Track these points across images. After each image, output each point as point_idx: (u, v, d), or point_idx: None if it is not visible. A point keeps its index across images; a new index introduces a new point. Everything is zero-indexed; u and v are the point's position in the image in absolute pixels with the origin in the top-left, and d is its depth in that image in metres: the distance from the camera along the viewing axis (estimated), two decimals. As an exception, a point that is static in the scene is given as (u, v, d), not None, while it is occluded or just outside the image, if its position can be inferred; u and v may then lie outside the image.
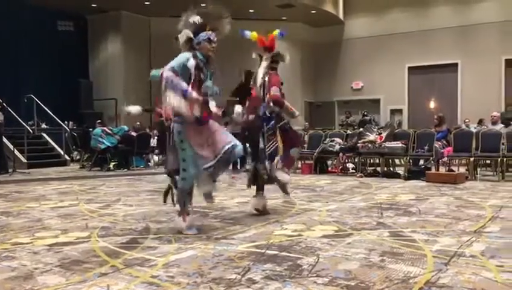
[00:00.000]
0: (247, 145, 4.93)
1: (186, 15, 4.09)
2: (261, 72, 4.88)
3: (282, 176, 4.84)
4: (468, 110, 16.29)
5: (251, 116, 4.84)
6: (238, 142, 3.99)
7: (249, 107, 4.87)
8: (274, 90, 4.77)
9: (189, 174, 3.95)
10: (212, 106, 4.08)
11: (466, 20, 16.98)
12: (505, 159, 8.51)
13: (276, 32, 5.01)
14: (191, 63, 3.87)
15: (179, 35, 4.05)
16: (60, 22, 16.79)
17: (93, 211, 5.28)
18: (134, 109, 4.43)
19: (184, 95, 3.74)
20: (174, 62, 3.86)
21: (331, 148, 9.82)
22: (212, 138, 3.93)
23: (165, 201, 4.24)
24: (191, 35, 4.00)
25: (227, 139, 3.94)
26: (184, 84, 3.77)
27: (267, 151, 4.75)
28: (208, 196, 4.15)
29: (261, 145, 4.77)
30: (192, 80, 3.86)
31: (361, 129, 10.80)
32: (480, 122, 12.79)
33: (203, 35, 3.99)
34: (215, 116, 4.11)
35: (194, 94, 3.77)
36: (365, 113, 16.17)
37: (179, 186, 4.04)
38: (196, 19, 4.04)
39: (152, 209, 5.38)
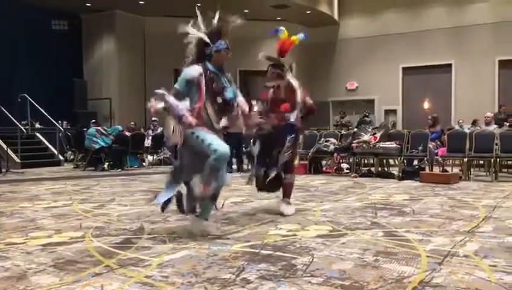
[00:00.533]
0: (263, 149, 4.90)
1: (199, 16, 3.90)
2: (294, 80, 4.94)
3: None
4: (462, 110, 16.39)
5: (280, 122, 4.84)
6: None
7: (278, 112, 4.85)
8: (310, 100, 5.06)
9: (219, 150, 3.65)
10: (242, 103, 3.99)
11: (460, 21, 17.08)
12: (498, 159, 8.56)
13: (297, 38, 4.97)
14: (197, 78, 3.74)
15: (190, 35, 3.88)
16: (54, 21, 16.74)
17: (87, 211, 5.26)
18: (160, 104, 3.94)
19: (179, 119, 3.68)
20: (179, 81, 3.78)
21: (325, 149, 9.83)
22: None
23: (182, 211, 4.06)
24: (208, 41, 3.83)
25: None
26: (182, 110, 3.68)
27: (285, 159, 4.83)
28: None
29: (284, 152, 4.84)
30: (200, 95, 3.74)
31: (355, 129, 10.82)
32: (474, 122, 12.86)
33: (222, 44, 3.84)
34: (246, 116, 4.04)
35: (190, 119, 3.66)
36: (366, 114, 16.27)
37: (211, 165, 3.66)
38: (213, 22, 3.87)
39: (146, 209, 5.36)
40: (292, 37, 5.00)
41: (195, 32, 3.86)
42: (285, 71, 4.95)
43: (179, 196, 3.97)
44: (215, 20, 3.87)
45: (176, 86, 3.78)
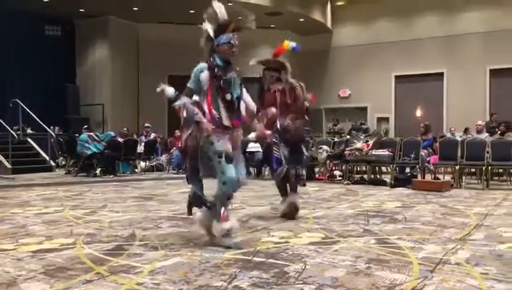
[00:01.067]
0: (283, 149, 5.02)
1: (212, 7, 3.80)
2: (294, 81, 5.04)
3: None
4: (454, 118, 16.49)
5: (297, 122, 5.02)
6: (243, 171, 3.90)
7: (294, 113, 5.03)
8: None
9: (229, 177, 3.66)
10: (242, 108, 3.87)
11: (451, 30, 17.24)
12: (489, 167, 8.62)
13: (288, 44, 5.00)
14: (204, 75, 3.70)
15: (202, 28, 3.80)
16: (47, 27, 16.69)
17: (78, 218, 5.22)
18: (170, 90, 3.87)
19: (196, 124, 3.66)
20: (191, 79, 3.74)
21: (318, 156, 9.85)
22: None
23: (190, 213, 4.06)
24: (212, 34, 3.74)
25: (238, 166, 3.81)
26: (199, 116, 3.65)
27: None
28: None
29: (305, 151, 5.16)
30: (209, 91, 3.71)
31: (348, 137, 10.86)
32: (466, 131, 12.95)
33: (224, 38, 3.73)
34: (246, 120, 3.97)
35: (206, 125, 3.63)
36: (363, 122, 16.40)
37: (221, 191, 3.72)
38: (222, 14, 3.77)
39: (138, 215, 5.34)
40: (284, 42, 5.02)
41: (205, 26, 3.78)
42: (283, 73, 4.98)
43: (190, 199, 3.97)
44: (223, 14, 3.78)
45: (189, 85, 3.73)
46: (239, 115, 3.82)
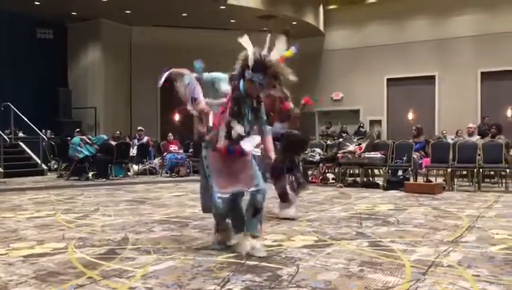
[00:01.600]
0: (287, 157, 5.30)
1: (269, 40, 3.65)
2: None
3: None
4: (446, 121, 16.60)
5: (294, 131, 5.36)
6: (263, 187, 3.69)
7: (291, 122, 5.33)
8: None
9: (216, 206, 3.66)
10: (247, 145, 3.64)
11: (443, 34, 17.36)
12: (481, 170, 8.68)
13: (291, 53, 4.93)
14: (226, 88, 3.63)
15: (246, 47, 3.61)
16: (39, 30, 16.60)
17: (70, 222, 5.19)
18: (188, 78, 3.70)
19: (192, 103, 3.60)
20: (213, 74, 3.66)
21: (311, 159, 9.87)
22: (236, 173, 3.67)
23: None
24: (250, 65, 3.56)
25: (253, 181, 3.66)
26: (198, 94, 3.60)
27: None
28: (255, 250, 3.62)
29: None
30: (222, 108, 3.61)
31: (341, 140, 10.90)
32: (457, 133, 13.03)
33: (260, 77, 3.58)
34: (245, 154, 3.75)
35: (201, 105, 3.59)
36: (361, 125, 16.48)
37: (213, 211, 3.73)
38: (268, 58, 3.60)
39: (131, 219, 5.32)
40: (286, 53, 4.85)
41: (250, 50, 3.61)
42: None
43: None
44: (271, 58, 3.63)
45: (210, 75, 3.66)
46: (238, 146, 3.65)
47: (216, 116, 3.65)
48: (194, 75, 3.68)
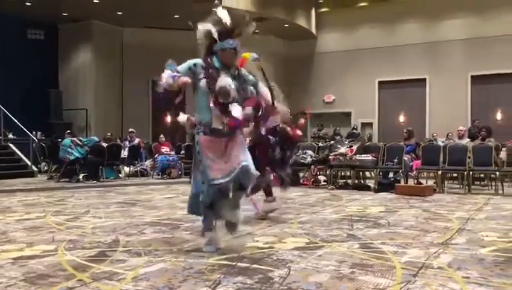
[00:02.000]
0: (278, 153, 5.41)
1: (215, 11, 3.72)
2: None
3: None
4: (436, 124, 16.73)
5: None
6: (251, 163, 3.69)
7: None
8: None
9: (204, 198, 3.69)
10: (236, 110, 3.64)
11: (434, 37, 17.51)
12: (471, 172, 8.74)
13: (250, 56, 4.93)
14: (199, 70, 3.66)
15: (199, 27, 3.71)
16: (30, 31, 16.51)
17: (60, 224, 5.16)
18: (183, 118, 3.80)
19: (173, 79, 3.55)
20: (180, 67, 3.66)
21: (302, 161, 9.88)
22: (229, 154, 3.66)
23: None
24: (216, 36, 3.64)
25: (240, 157, 3.65)
26: (176, 72, 3.58)
27: None
28: (231, 227, 3.83)
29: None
30: (200, 88, 3.66)
31: (332, 142, 10.93)
32: (448, 136, 13.12)
33: (230, 42, 3.65)
34: (244, 120, 3.74)
35: (183, 78, 3.56)
36: (355, 127, 16.57)
37: (200, 199, 3.72)
38: (226, 19, 3.69)
39: (122, 221, 5.29)
40: (245, 54, 4.87)
41: (206, 25, 3.69)
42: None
43: None
44: (228, 19, 3.70)
45: (178, 67, 3.66)
46: (231, 117, 3.63)
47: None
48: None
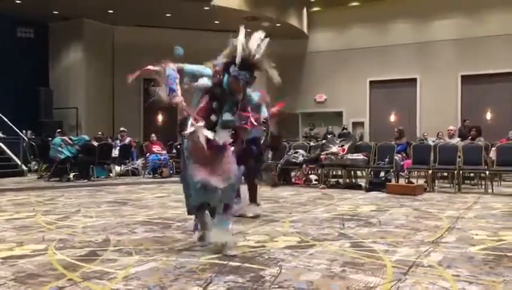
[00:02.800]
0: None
1: (251, 38, 3.63)
2: None
3: None
4: (427, 123, 16.83)
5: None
6: (235, 183, 3.70)
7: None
8: None
9: (190, 205, 3.78)
10: (221, 137, 3.64)
11: (424, 37, 17.61)
12: (461, 171, 8.80)
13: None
14: (206, 85, 3.61)
15: (234, 39, 3.61)
16: (20, 29, 16.39)
17: (50, 223, 5.12)
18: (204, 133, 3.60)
19: (168, 94, 3.51)
20: (195, 67, 3.59)
21: (294, 160, 9.90)
22: (216, 168, 3.62)
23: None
24: (238, 60, 3.56)
25: (228, 177, 3.63)
26: (175, 87, 3.51)
27: None
28: (225, 247, 3.64)
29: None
30: (201, 103, 3.62)
31: (324, 141, 10.95)
32: (438, 135, 13.21)
33: (243, 73, 3.58)
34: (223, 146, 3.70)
35: (178, 98, 3.50)
36: (345, 127, 16.63)
37: (189, 201, 3.77)
38: (257, 52, 3.61)
39: (113, 220, 5.27)
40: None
41: (239, 42, 3.58)
42: None
43: None
44: (257, 51, 3.62)
45: (190, 67, 3.58)
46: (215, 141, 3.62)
47: (196, 110, 3.62)
48: (175, 65, 3.61)
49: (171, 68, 3.57)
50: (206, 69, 3.70)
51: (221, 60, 3.67)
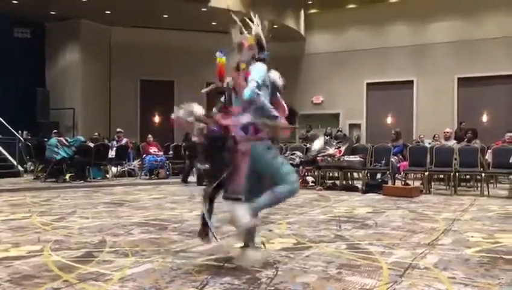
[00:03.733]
0: None
1: (259, 21, 3.57)
2: None
3: None
4: (423, 125, 16.87)
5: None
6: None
7: None
8: None
9: (295, 186, 3.35)
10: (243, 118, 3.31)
11: (421, 40, 17.67)
12: (457, 173, 8.82)
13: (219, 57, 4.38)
14: (272, 76, 3.50)
15: (256, 30, 3.48)
16: (16, 29, 16.35)
17: (46, 224, 5.11)
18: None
19: (273, 118, 3.31)
20: (257, 75, 3.26)
21: (291, 161, 9.89)
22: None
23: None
24: (264, 45, 3.48)
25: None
26: (273, 110, 3.35)
27: None
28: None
29: None
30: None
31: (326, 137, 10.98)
32: (434, 137, 13.24)
33: (267, 54, 3.51)
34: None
35: (283, 121, 3.41)
36: (340, 129, 16.68)
37: (280, 194, 3.32)
38: (263, 30, 3.53)
39: (109, 221, 5.26)
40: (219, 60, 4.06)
41: (259, 31, 3.48)
42: None
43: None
44: (263, 29, 3.54)
45: (257, 79, 3.25)
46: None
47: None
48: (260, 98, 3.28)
49: (255, 92, 3.22)
50: (259, 70, 3.40)
51: (247, 52, 3.48)
